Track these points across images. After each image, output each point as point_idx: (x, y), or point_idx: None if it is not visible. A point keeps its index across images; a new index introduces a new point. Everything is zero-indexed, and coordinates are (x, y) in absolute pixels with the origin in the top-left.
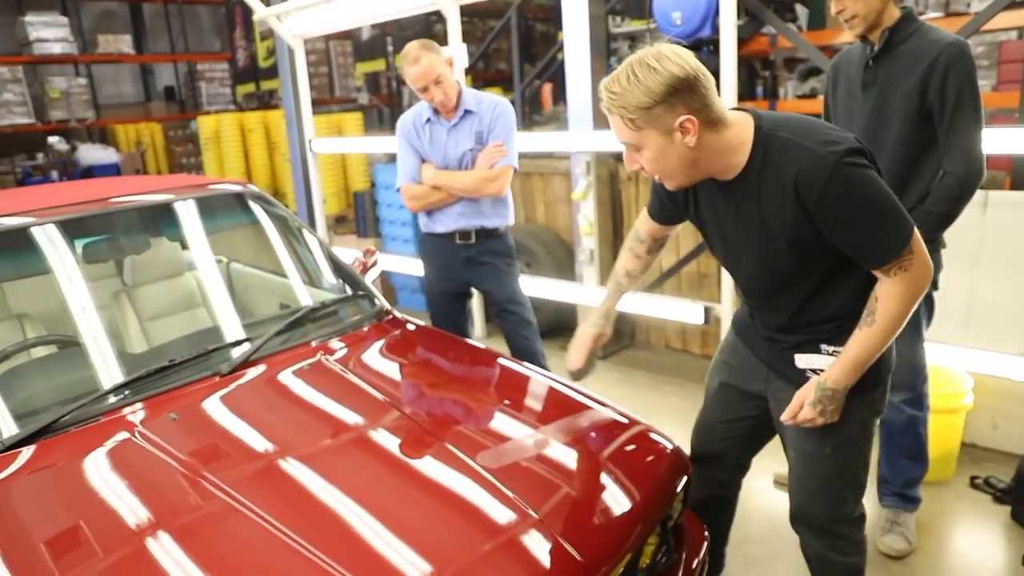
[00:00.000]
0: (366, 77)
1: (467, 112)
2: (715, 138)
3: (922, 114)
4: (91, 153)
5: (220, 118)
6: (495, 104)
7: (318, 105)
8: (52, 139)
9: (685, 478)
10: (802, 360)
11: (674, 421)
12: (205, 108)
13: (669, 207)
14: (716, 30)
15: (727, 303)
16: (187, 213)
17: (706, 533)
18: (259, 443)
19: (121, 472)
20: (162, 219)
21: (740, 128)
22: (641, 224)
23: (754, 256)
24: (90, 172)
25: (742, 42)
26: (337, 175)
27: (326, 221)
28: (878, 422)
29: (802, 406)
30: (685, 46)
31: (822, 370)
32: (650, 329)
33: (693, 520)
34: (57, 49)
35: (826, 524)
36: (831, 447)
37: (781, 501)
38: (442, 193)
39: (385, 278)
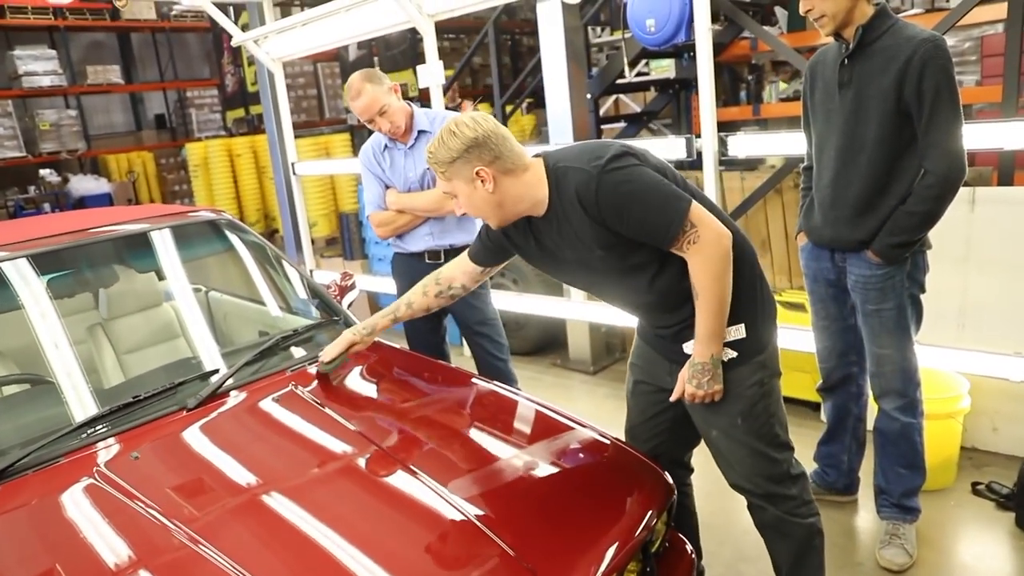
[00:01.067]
0: None
1: (421, 132)
2: (514, 182)
3: (900, 112)
4: (83, 184)
5: (208, 144)
6: (447, 120)
7: (308, 127)
8: (44, 171)
9: (669, 501)
10: (688, 346)
11: None
12: (196, 135)
13: (488, 250)
14: (692, 36)
15: None
16: (161, 243)
17: (693, 556)
18: (222, 481)
19: (77, 517)
20: (136, 250)
21: (536, 170)
22: (450, 266)
23: (588, 269)
24: (82, 203)
25: (722, 47)
26: (326, 197)
27: (315, 244)
28: (774, 382)
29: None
30: (664, 53)
31: None
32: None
33: (679, 544)
34: (46, 82)
35: (769, 487)
36: (740, 416)
37: None
38: (407, 216)
39: (373, 300)
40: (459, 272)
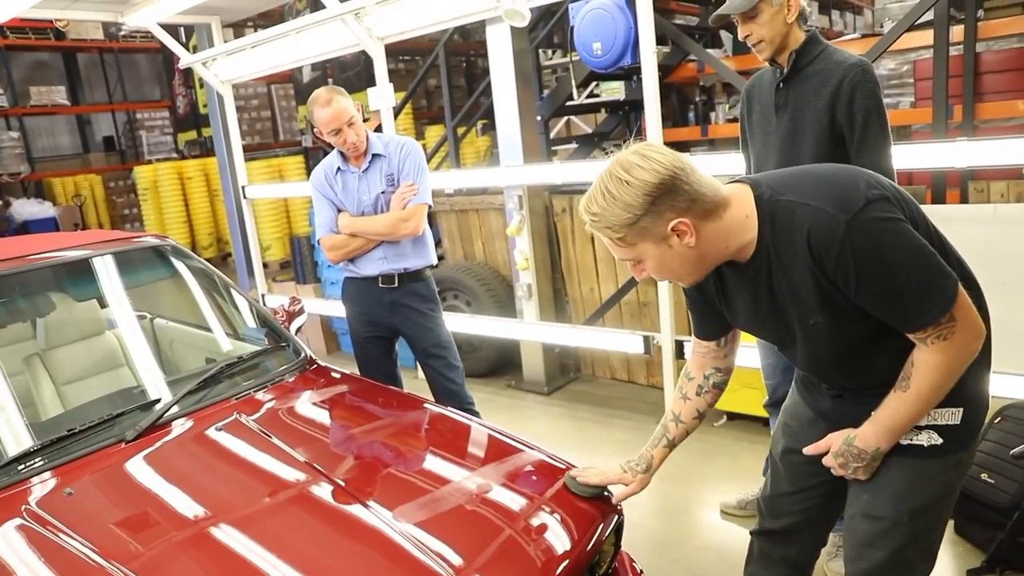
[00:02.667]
0: (309, 119)
1: (375, 156)
2: (717, 225)
3: (834, 134)
4: (26, 208)
5: (158, 167)
6: (401, 144)
7: (262, 149)
8: None
9: (615, 520)
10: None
11: (620, 456)
12: (147, 157)
13: (707, 314)
14: (638, 59)
15: (667, 332)
16: (104, 269)
17: (640, 571)
18: (162, 514)
19: (7, 559)
20: (78, 276)
21: (740, 203)
22: (691, 357)
23: (797, 336)
24: (26, 227)
25: (670, 69)
26: (280, 220)
27: (269, 267)
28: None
29: (828, 449)
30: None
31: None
32: (594, 361)
33: (631, 563)
34: None
35: None
36: (909, 513)
37: (730, 532)
38: (360, 240)
39: (326, 324)
40: (700, 357)
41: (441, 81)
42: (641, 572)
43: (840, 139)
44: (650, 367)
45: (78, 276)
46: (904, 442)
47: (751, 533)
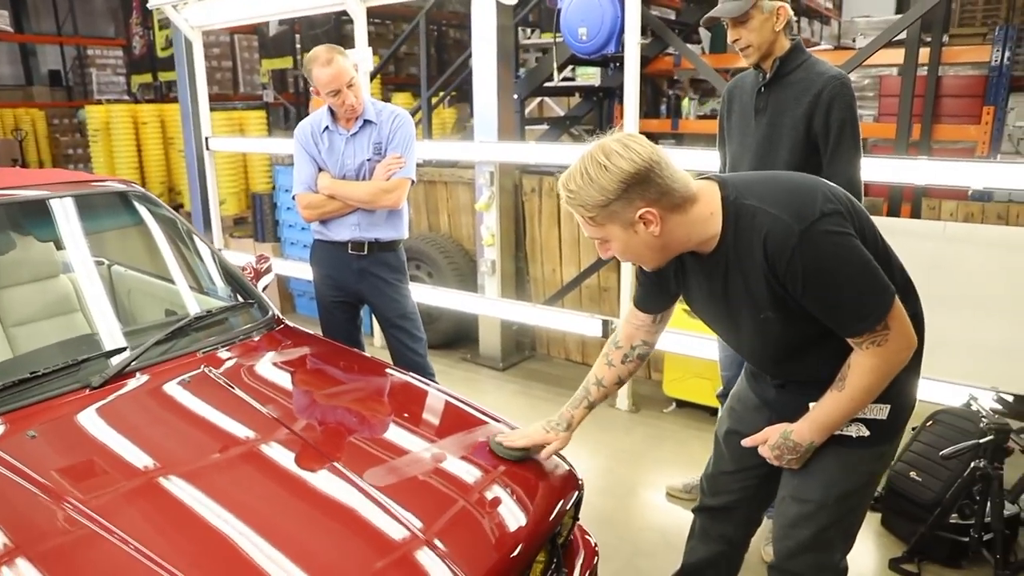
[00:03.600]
0: (272, 74)
1: (366, 122)
2: (682, 219)
3: (809, 142)
4: None
5: (111, 108)
6: (395, 115)
7: (220, 100)
8: None
9: (575, 495)
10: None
11: (574, 436)
12: (96, 96)
13: (655, 291)
14: (621, 47)
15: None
16: (64, 211)
17: (596, 548)
18: (127, 463)
19: None
20: (35, 217)
21: (707, 199)
22: (622, 325)
23: (747, 328)
24: None
25: (647, 61)
26: (237, 175)
27: (223, 222)
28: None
29: (765, 441)
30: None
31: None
32: (550, 341)
33: (583, 535)
34: None
35: (810, 573)
36: (835, 497)
37: (675, 514)
38: (337, 203)
39: (283, 284)
40: (633, 328)
41: (420, 50)
42: (596, 545)
43: (815, 147)
44: None
45: (36, 216)
46: (836, 432)
47: (693, 511)
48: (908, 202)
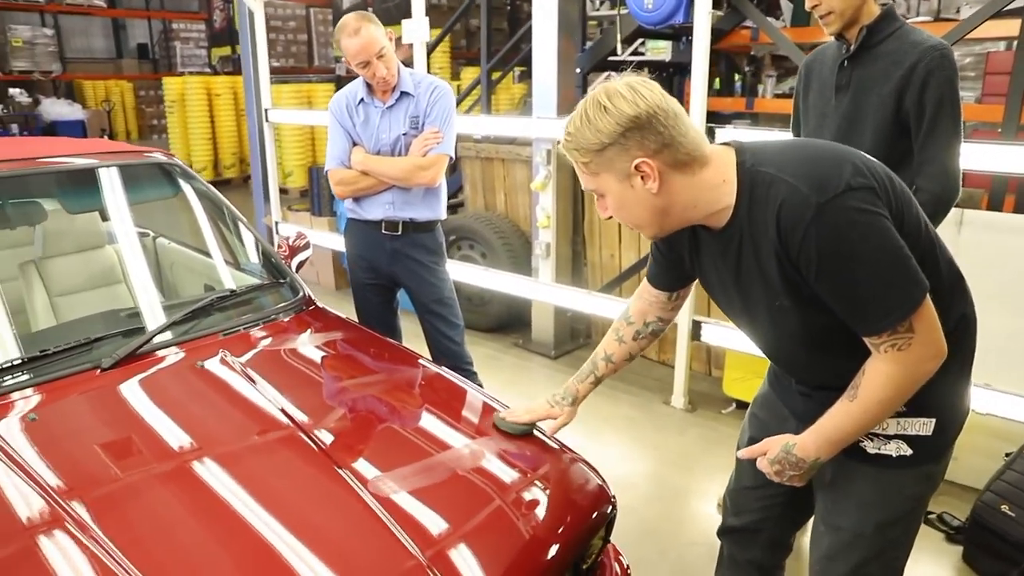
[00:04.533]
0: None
1: (403, 94)
2: (686, 181)
3: (897, 123)
4: (55, 108)
5: (186, 80)
6: (433, 87)
7: (296, 73)
8: (13, 91)
9: (606, 515)
10: None
11: (623, 434)
12: (179, 69)
13: (667, 267)
14: (691, 18)
15: (685, 309)
16: (108, 181)
17: (629, 572)
18: (121, 455)
19: None
20: (81, 186)
21: (720, 166)
22: (634, 300)
23: (763, 318)
24: (53, 128)
25: (722, 34)
26: (305, 147)
27: (289, 194)
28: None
29: (765, 453)
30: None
31: (878, 434)
32: (606, 330)
33: (615, 557)
34: None
35: None
36: (873, 526)
37: None
38: (372, 180)
39: (338, 260)
40: (646, 304)
41: (481, 21)
42: (628, 567)
43: (904, 129)
44: (663, 343)
45: (81, 185)
46: (872, 451)
47: (717, 534)
48: (1013, 194)
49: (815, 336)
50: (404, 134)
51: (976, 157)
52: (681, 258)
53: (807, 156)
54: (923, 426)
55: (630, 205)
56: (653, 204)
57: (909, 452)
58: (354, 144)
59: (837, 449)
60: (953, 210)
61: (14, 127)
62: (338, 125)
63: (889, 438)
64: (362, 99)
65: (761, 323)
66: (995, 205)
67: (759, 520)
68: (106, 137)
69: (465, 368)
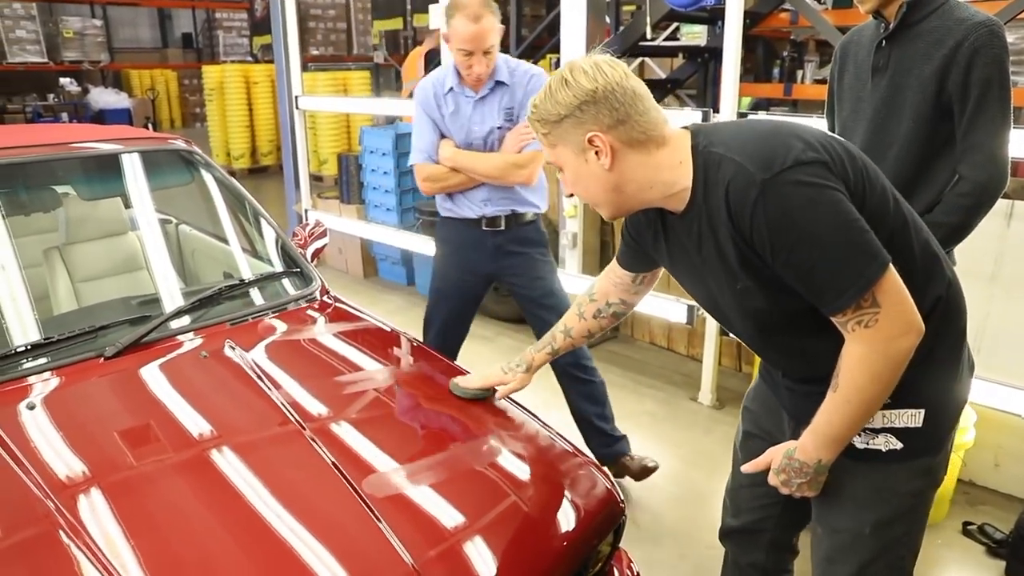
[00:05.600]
0: (384, 35)
1: (498, 83)
2: (641, 159)
3: (939, 107)
4: (103, 97)
5: (225, 68)
6: (530, 75)
7: (335, 61)
8: (64, 80)
9: (614, 522)
10: None
11: (646, 430)
12: (222, 58)
13: (635, 250)
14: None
15: None
16: (131, 167)
17: (636, 573)
18: (118, 443)
19: None
20: (102, 172)
21: (677, 147)
22: (600, 278)
23: (727, 301)
24: (101, 116)
25: (759, 18)
26: (340, 135)
27: (323, 182)
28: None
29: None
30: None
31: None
32: (634, 323)
33: (627, 565)
34: None
35: None
36: (871, 525)
37: None
38: (462, 176)
39: (366, 248)
40: (610, 284)
41: (510, 8)
42: (637, 573)
43: (947, 113)
44: (691, 338)
45: (101, 172)
46: (860, 446)
47: (719, 537)
48: None
49: (782, 319)
50: (498, 127)
51: None
52: (646, 243)
53: (756, 133)
54: (911, 417)
55: (584, 180)
56: (607, 180)
57: (899, 446)
58: (442, 136)
59: (837, 447)
60: (1001, 201)
61: (64, 115)
62: (425, 116)
63: (877, 432)
64: (451, 88)
65: (729, 308)
66: None
67: (758, 520)
68: (150, 125)
69: (585, 363)
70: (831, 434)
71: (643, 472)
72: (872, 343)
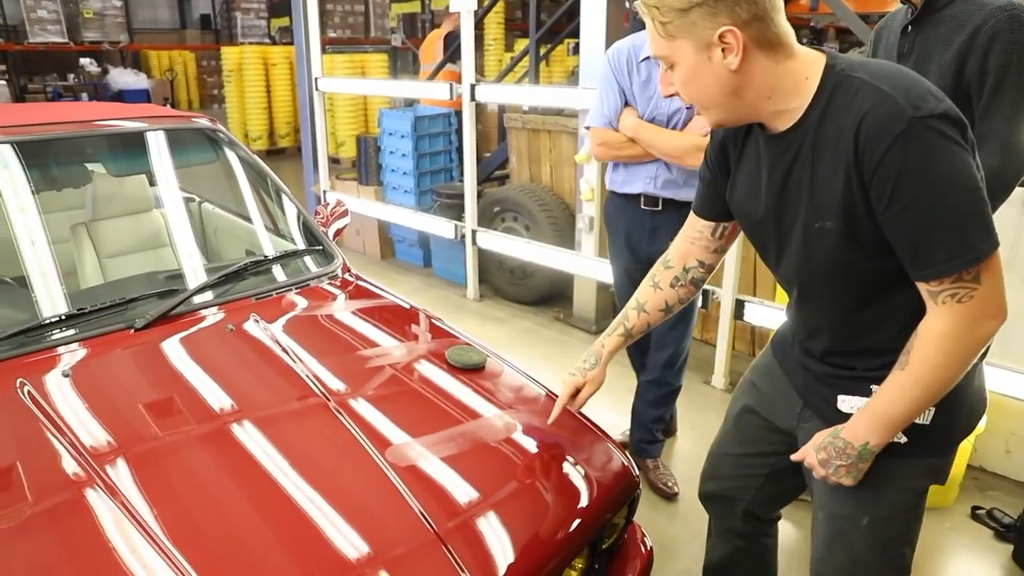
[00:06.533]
0: (401, 18)
1: None
2: (769, 65)
3: (959, 93)
4: (122, 77)
5: (244, 50)
6: None
7: (352, 44)
8: (84, 60)
9: (629, 496)
10: (846, 403)
11: None
12: (239, 39)
13: (715, 187)
14: None
15: (728, 287)
16: (156, 145)
17: (652, 551)
18: (149, 412)
19: None
20: (129, 149)
21: (807, 63)
22: (675, 242)
23: (795, 240)
24: (120, 96)
25: None
26: (358, 118)
27: (341, 163)
28: None
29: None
30: None
31: None
32: None
33: (637, 539)
34: None
35: None
36: (869, 517)
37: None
38: (638, 149)
39: (384, 229)
40: (687, 243)
41: None
42: (651, 548)
43: (966, 100)
44: (706, 322)
45: (127, 149)
46: None
47: (699, 498)
48: None
49: (844, 273)
50: (688, 107)
51: None
52: (728, 170)
53: (905, 73)
54: (922, 414)
55: (701, 79)
56: (728, 81)
57: (904, 440)
58: (626, 104)
59: (890, 432)
60: (1017, 189)
61: (84, 95)
62: (613, 80)
63: None
64: (647, 56)
65: (790, 246)
66: None
67: (735, 488)
68: (168, 105)
69: (680, 354)
70: (889, 415)
71: (657, 490)
72: (961, 319)
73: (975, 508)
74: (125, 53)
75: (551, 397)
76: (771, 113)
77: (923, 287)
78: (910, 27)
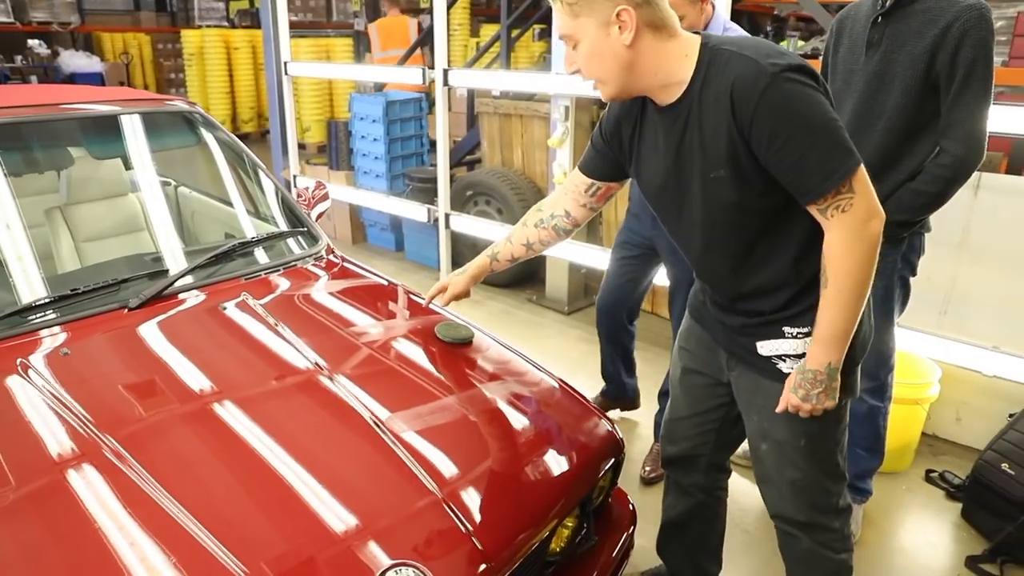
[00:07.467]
0: (364, 2)
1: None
2: (656, 44)
3: (927, 83)
4: (74, 60)
5: (205, 33)
6: None
7: (314, 28)
8: (32, 42)
9: (613, 460)
10: (765, 347)
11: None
12: (197, 22)
13: (601, 153)
14: None
15: None
16: (131, 128)
17: (632, 508)
18: (148, 390)
19: None
20: (105, 133)
21: (686, 43)
22: (552, 194)
23: (697, 194)
24: (72, 80)
25: None
26: (323, 102)
27: (307, 149)
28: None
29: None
30: None
31: (791, 355)
32: None
33: (621, 501)
34: None
35: (813, 517)
36: (805, 436)
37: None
38: None
39: (355, 213)
40: (561, 193)
41: None
42: (633, 508)
43: (934, 90)
44: (656, 296)
45: (105, 132)
46: (787, 371)
47: (662, 464)
48: None
49: (740, 213)
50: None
51: (999, 120)
52: (620, 144)
53: (764, 42)
54: (802, 346)
55: (601, 54)
56: (623, 57)
57: None
58: None
59: (841, 344)
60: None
61: (33, 78)
62: None
63: (799, 358)
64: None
65: (693, 200)
66: (1014, 169)
67: (696, 446)
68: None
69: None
70: (834, 331)
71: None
72: (850, 227)
73: (928, 471)
74: (76, 35)
75: (545, 372)
76: (658, 87)
77: (813, 209)
78: (880, 18)
